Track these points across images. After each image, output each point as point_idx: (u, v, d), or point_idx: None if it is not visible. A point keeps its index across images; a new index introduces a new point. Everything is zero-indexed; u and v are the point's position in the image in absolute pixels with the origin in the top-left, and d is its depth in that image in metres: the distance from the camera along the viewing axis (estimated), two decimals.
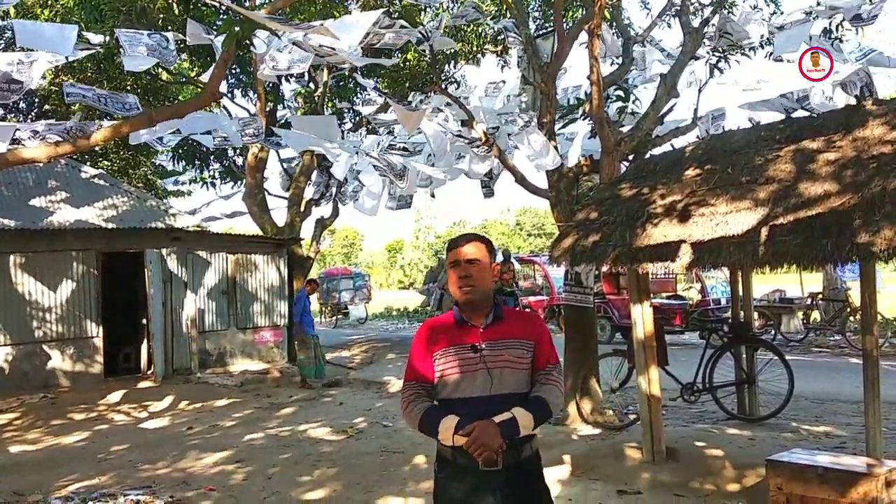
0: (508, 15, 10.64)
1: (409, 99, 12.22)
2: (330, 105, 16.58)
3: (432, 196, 13.62)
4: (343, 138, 11.74)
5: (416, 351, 2.78)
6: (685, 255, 4.99)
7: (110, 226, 12.47)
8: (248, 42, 9.06)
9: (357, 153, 10.76)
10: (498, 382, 2.64)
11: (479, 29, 14.18)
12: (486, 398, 2.62)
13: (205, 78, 11.39)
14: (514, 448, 2.58)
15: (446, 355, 2.69)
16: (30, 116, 15.83)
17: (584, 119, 10.39)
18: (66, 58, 7.43)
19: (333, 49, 7.11)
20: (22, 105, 15.50)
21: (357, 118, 16.73)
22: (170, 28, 10.79)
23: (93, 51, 8.94)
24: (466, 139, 9.06)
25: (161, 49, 8.05)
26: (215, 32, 7.71)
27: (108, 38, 9.55)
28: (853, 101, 7.15)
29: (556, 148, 8.54)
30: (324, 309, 28.62)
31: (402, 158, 10.51)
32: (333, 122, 11.09)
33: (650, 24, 10.30)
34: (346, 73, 15.05)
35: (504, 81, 11.37)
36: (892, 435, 6.43)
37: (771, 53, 9.95)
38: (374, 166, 10.52)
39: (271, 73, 8.13)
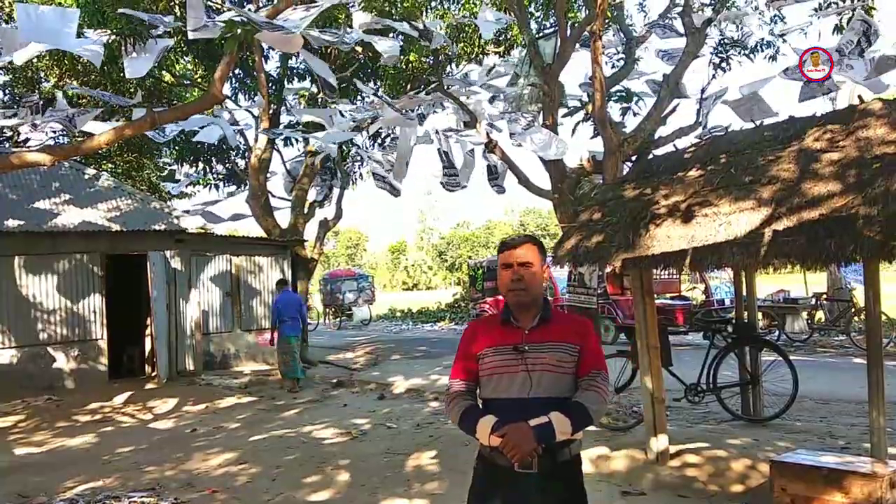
0: (510, 14, 10.66)
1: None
2: (331, 106, 16.54)
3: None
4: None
5: (462, 349, 2.80)
6: (688, 255, 4.98)
7: (114, 228, 12.50)
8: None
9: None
10: (537, 385, 2.61)
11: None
12: (525, 400, 2.60)
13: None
14: (550, 452, 2.56)
15: (489, 355, 2.69)
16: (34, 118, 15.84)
17: (586, 120, 10.40)
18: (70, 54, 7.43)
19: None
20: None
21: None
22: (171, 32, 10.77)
23: (95, 49, 8.90)
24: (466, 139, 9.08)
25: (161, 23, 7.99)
26: (218, 25, 7.69)
27: (110, 40, 9.53)
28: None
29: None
30: (328, 310, 28.71)
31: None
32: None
33: (651, 23, 10.31)
34: (348, 76, 15.04)
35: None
36: None
37: (772, 56, 9.95)
38: (374, 173, 10.57)
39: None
